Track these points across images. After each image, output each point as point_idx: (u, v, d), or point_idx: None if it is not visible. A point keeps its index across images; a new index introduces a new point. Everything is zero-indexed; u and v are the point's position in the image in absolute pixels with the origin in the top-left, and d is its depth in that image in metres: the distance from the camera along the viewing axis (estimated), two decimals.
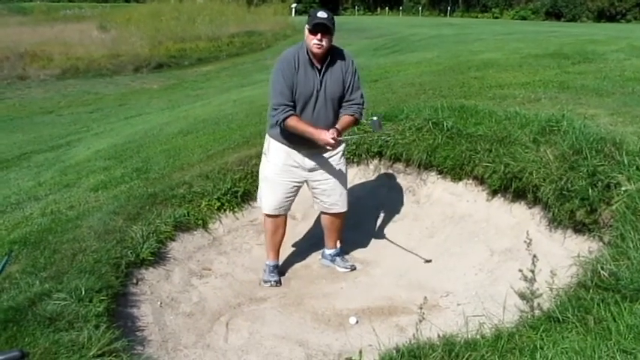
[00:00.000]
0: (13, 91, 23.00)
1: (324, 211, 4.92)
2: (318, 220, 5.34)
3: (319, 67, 4.36)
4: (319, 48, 4.26)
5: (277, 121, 4.39)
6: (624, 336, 2.69)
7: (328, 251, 5.11)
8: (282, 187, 4.70)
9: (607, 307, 2.92)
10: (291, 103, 4.35)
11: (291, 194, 4.78)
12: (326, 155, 4.60)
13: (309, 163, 4.62)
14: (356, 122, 4.65)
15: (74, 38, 32.13)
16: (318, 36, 4.23)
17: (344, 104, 4.51)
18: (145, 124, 12.14)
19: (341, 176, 4.76)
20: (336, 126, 4.42)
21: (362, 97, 4.55)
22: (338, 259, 5.07)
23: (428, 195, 5.63)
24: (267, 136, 4.75)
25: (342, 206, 4.86)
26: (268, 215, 4.84)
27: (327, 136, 4.28)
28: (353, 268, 5.02)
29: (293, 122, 4.35)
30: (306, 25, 4.27)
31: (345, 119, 4.49)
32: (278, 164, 4.64)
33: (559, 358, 2.72)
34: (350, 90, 4.48)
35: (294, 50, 4.40)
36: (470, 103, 6.31)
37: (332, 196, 4.77)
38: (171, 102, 17.13)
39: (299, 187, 4.81)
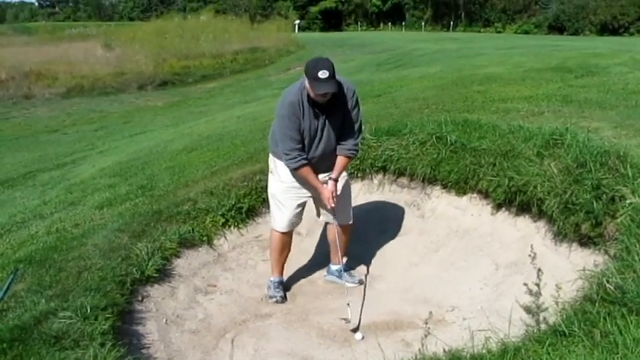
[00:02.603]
0: (19, 110, 23.10)
1: (331, 222, 4.92)
2: (323, 236, 5.34)
3: (323, 106, 4.31)
4: (324, 100, 4.23)
5: (289, 167, 4.49)
6: (631, 349, 2.68)
7: (334, 267, 5.10)
8: (291, 203, 4.72)
9: (613, 321, 2.91)
10: (302, 146, 4.39)
11: (299, 210, 4.80)
12: (326, 174, 4.60)
13: None
14: (351, 159, 4.75)
15: (79, 57, 32.30)
16: (326, 96, 4.19)
17: (342, 137, 4.50)
18: (149, 142, 12.18)
19: (345, 190, 4.78)
20: (332, 176, 4.57)
21: (360, 129, 4.56)
22: (345, 274, 5.06)
23: (432, 209, 5.63)
24: (271, 156, 4.76)
25: (347, 218, 4.87)
26: (278, 232, 4.84)
27: (327, 197, 4.54)
28: (361, 283, 5.01)
29: (304, 172, 4.47)
30: (307, 79, 4.14)
31: (341, 163, 4.58)
32: (286, 181, 4.65)
33: None
34: (350, 123, 4.47)
35: (297, 92, 4.30)
36: (473, 117, 6.33)
37: (337, 209, 4.78)
38: (175, 119, 17.18)
39: (305, 202, 4.82)
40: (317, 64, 4.10)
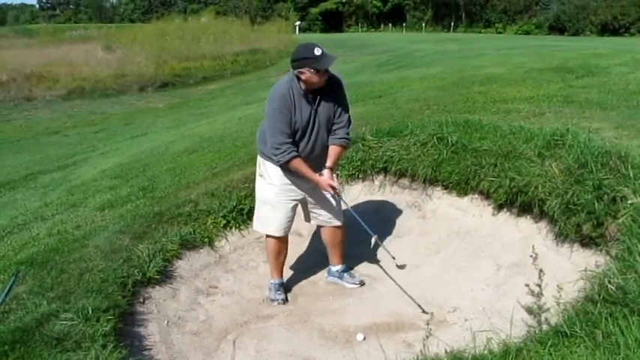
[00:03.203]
0: (20, 112, 23.16)
1: (323, 224, 4.92)
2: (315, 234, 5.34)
3: (313, 97, 4.33)
4: (323, 81, 4.24)
5: (279, 162, 4.42)
6: (633, 350, 2.67)
7: (334, 268, 5.10)
8: (283, 206, 4.70)
9: (615, 321, 2.90)
10: (292, 140, 4.36)
11: (292, 212, 4.79)
12: (319, 171, 4.58)
13: (305, 180, 4.59)
14: (345, 149, 4.70)
15: (80, 59, 32.38)
16: (326, 75, 4.22)
17: (333, 128, 4.50)
18: (150, 143, 12.19)
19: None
20: (328, 164, 4.51)
21: (349, 120, 4.55)
22: (346, 275, 5.06)
23: (433, 210, 5.62)
24: (260, 158, 4.71)
25: (339, 219, 4.86)
26: (273, 237, 4.83)
27: (325, 184, 4.46)
28: (362, 284, 5.01)
29: (296, 164, 4.40)
30: (306, 69, 4.13)
31: (335, 152, 4.54)
32: (277, 184, 4.62)
33: None
34: (339, 113, 4.47)
35: (287, 85, 4.31)
36: (474, 118, 6.33)
37: (329, 210, 4.78)
38: (176, 121, 17.20)
39: (297, 205, 4.82)
40: (306, 46, 4.17)
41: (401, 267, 4.48)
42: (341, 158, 4.76)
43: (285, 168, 4.49)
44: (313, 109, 4.34)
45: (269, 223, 4.79)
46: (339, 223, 4.87)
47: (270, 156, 4.50)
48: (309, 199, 4.76)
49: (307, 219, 5.00)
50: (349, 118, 4.54)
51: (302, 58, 4.13)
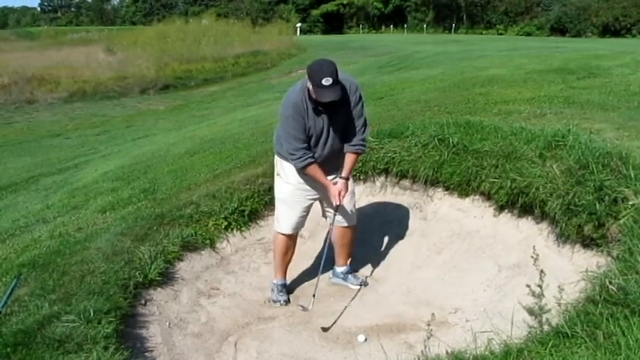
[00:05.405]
0: (22, 115, 23.21)
1: (335, 223, 4.91)
2: (325, 239, 5.34)
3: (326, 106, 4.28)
4: (326, 105, 4.21)
5: (296, 166, 4.46)
6: (634, 350, 2.68)
7: (339, 269, 5.11)
8: (298, 205, 4.71)
9: (616, 322, 2.91)
10: (307, 145, 4.36)
11: (306, 212, 4.81)
12: (334, 174, 4.60)
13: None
14: (359, 156, 4.70)
15: (81, 61, 32.48)
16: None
17: (347, 136, 4.48)
18: (151, 145, 12.19)
19: (350, 192, 4.76)
20: (344, 175, 4.55)
21: (365, 124, 4.51)
22: (350, 276, 5.07)
23: (435, 211, 5.62)
24: (277, 157, 4.73)
25: (352, 220, 4.88)
26: (283, 235, 4.83)
27: (335, 194, 4.49)
28: (365, 284, 5.02)
29: (312, 171, 4.43)
30: (310, 84, 4.10)
31: (350, 161, 4.56)
32: (293, 183, 4.64)
33: None
34: (354, 119, 4.44)
35: (300, 92, 4.28)
36: (475, 119, 6.32)
37: (343, 210, 4.78)
38: (177, 122, 17.21)
39: (313, 204, 4.82)
40: (320, 70, 4.03)
41: (304, 308, 4.67)
42: (355, 166, 4.77)
43: (301, 171, 4.52)
44: (327, 117, 4.33)
45: (282, 220, 4.81)
46: (351, 224, 4.89)
47: (286, 157, 4.52)
48: (324, 199, 4.78)
49: (324, 215, 5.01)
50: (364, 122, 4.49)
51: (311, 77, 4.07)
